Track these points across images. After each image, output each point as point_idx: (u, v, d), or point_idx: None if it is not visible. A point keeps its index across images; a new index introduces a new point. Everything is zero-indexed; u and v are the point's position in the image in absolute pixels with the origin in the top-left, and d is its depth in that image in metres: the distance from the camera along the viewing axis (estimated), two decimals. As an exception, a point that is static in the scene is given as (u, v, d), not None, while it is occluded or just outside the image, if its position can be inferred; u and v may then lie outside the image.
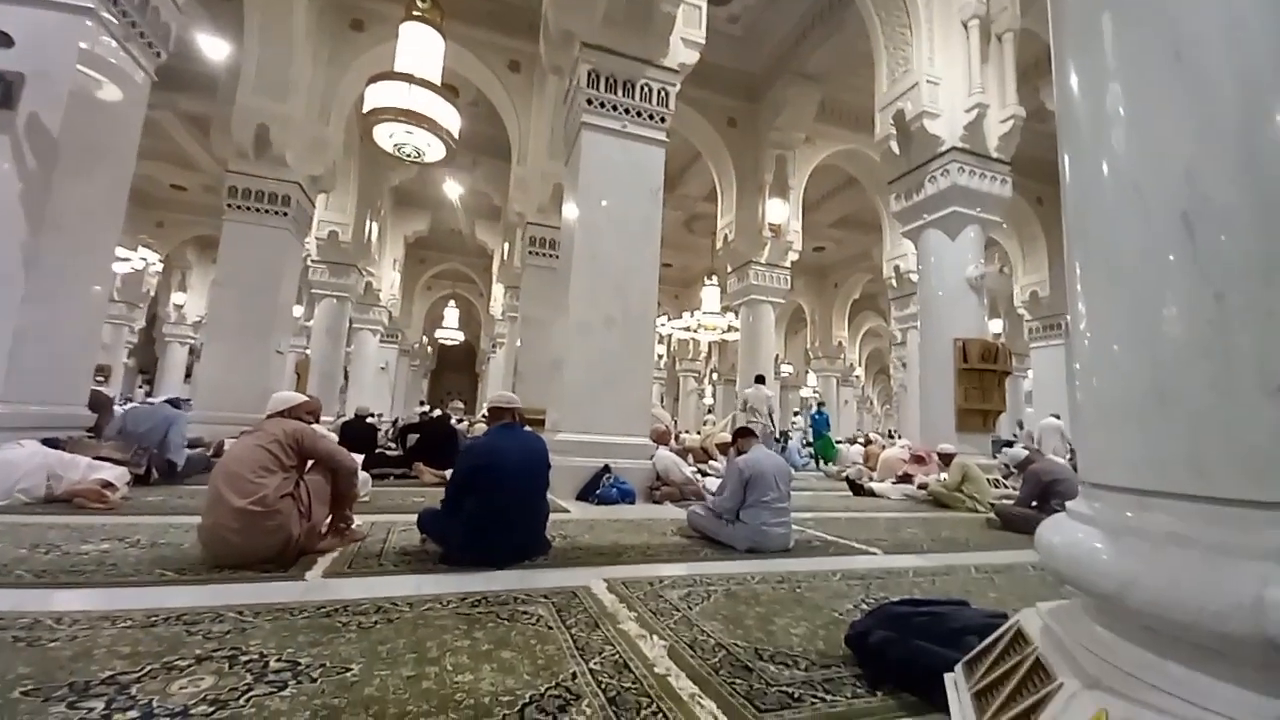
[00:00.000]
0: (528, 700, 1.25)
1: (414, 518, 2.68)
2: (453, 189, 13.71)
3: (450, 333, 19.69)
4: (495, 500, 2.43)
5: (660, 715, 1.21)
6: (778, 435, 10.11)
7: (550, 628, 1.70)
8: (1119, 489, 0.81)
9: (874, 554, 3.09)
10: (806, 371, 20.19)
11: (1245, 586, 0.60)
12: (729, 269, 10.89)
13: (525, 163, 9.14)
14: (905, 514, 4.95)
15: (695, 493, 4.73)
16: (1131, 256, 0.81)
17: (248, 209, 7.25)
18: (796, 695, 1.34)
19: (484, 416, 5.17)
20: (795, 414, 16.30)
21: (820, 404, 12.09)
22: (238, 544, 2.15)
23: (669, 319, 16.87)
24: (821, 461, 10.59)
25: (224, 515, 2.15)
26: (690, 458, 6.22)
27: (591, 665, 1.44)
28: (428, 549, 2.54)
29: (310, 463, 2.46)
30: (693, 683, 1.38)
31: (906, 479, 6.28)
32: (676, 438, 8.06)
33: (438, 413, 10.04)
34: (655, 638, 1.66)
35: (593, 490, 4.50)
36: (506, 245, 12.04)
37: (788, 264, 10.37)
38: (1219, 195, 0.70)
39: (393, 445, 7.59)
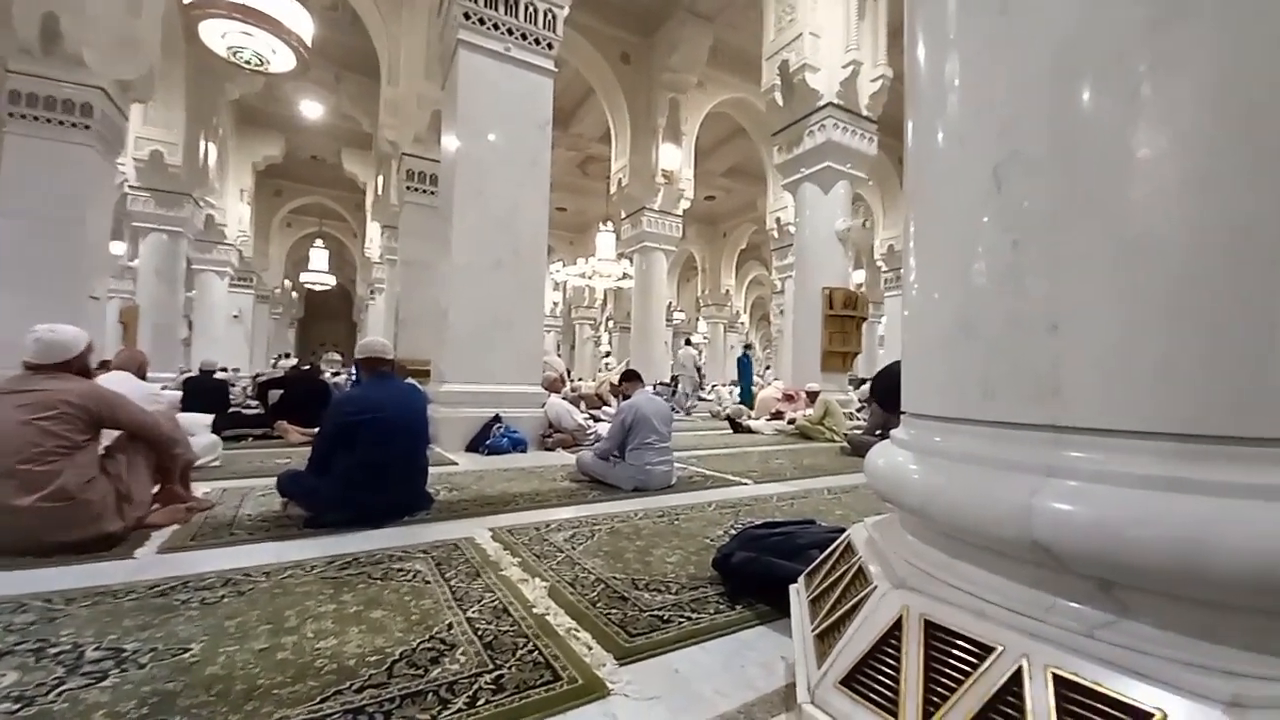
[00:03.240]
0: (398, 657, 1.22)
1: (275, 481, 2.44)
2: (311, 109, 11.95)
3: (318, 276, 17.70)
4: (370, 456, 2.27)
5: (536, 652, 1.24)
6: (668, 381, 10.48)
7: (428, 582, 1.66)
8: (930, 417, 0.92)
9: (745, 484, 3.37)
10: (697, 318, 20.96)
11: (1018, 496, 0.72)
12: (623, 215, 10.77)
13: (397, 83, 8.16)
14: (776, 447, 5.43)
15: (588, 439, 4.81)
16: (953, 208, 0.89)
17: (36, 119, 5.74)
18: (666, 617, 1.44)
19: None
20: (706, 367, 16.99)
21: (747, 347, 12.61)
22: (41, 540, 1.77)
23: (564, 265, 16.50)
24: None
25: (5, 518, 1.71)
26: (583, 405, 6.28)
27: (470, 614, 1.43)
28: (290, 513, 2.33)
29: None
30: (571, 618, 1.43)
31: (779, 416, 6.89)
32: (573, 386, 8.07)
33: (307, 366, 9.11)
34: (537, 580, 1.69)
35: (483, 441, 4.39)
36: (381, 179, 10.83)
37: (680, 212, 10.46)
38: (1026, 149, 0.78)
39: (253, 403, 6.81)
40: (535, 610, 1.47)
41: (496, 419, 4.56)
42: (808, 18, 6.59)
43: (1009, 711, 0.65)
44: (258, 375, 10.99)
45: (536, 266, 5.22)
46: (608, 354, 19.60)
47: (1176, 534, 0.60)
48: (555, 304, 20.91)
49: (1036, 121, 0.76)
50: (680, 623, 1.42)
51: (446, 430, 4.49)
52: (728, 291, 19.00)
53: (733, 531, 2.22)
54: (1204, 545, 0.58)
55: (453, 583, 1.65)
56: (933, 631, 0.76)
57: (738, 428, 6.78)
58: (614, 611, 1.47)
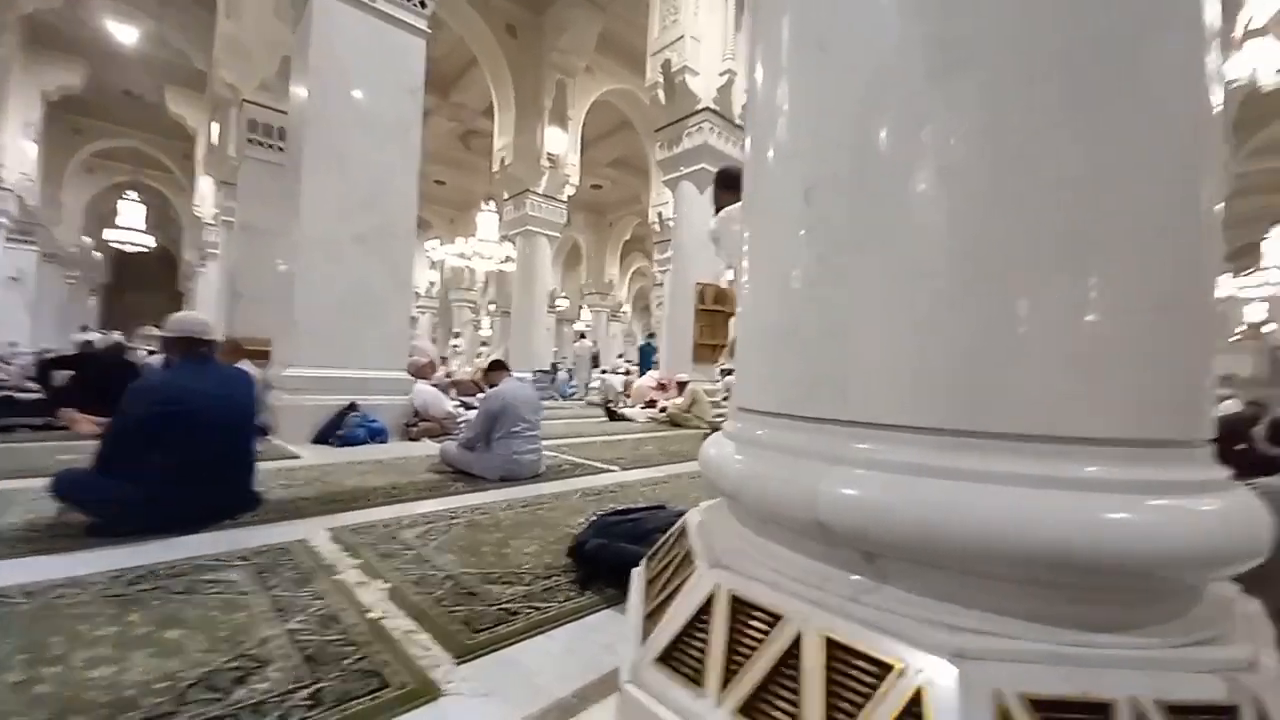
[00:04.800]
0: (194, 681, 1.07)
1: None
2: (124, 33, 9.91)
3: (131, 235, 14.85)
4: (180, 453, 1.97)
5: (364, 660, 1.17)
6: (548, 369, 10.37)
7: (245, 593, 1.48)
8: (752, 411, 1.01)
9: (614, 471, 3.45)
10: (581, 306, 20.93)
11: (807, 482, 0.81)
12: (506, 196, 10.38)
13: (239, 18, 7.06)
14: (648, 434, 5.64)
15: (458, 428, 4.60)
16: (776, 221, 0.98)
17: None
18: (514, 610, 1.43)
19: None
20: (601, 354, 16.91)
21: (650, 336, 12.60)
22: None
23: (442, 243, 15.52)
24: None
25: None
26: (454, 392, 5.99)
27: (291, 625, 1.31)
28: (69, 521, 1.95)
29: None
30: (411, 619, 1.36)
31: (653, 404, 7.15)
32: (448, 372, 7.66)
33: (113, 343, 7.59)
34: (378, 582, 1.59)
35: (334, 431, 4.01)
36: (216, 127, 9.30)
37: (565, 198, 10.33)
38: (831, 173, 0.87)
39: (32, 386, 5.55)
40: (371, 615, 1.38)
41: (352, 407, 4.19)
42: (690, 21, 6.80)
43: (790, 672, 0.73)
44: (44, 352, 8.98)
45: (405, 243, 4.86)
46: (484, 342, 18.86)
47: (921, 512, 0.71)
48: (432, 284, 19.64)
49: (841, 149, 0.85)
50: (528, 614, 1.42)
51: (290, 420, 4.03)
52: (611, 281, 19.20)
53: (594, 519, 2.26)
54: (941, 521, 0.70)
55: (275, 592, 1.49)
56: (738, 605, 0.83)
57: (614, 415, 6.91)
58: (460, 609, 1.43)
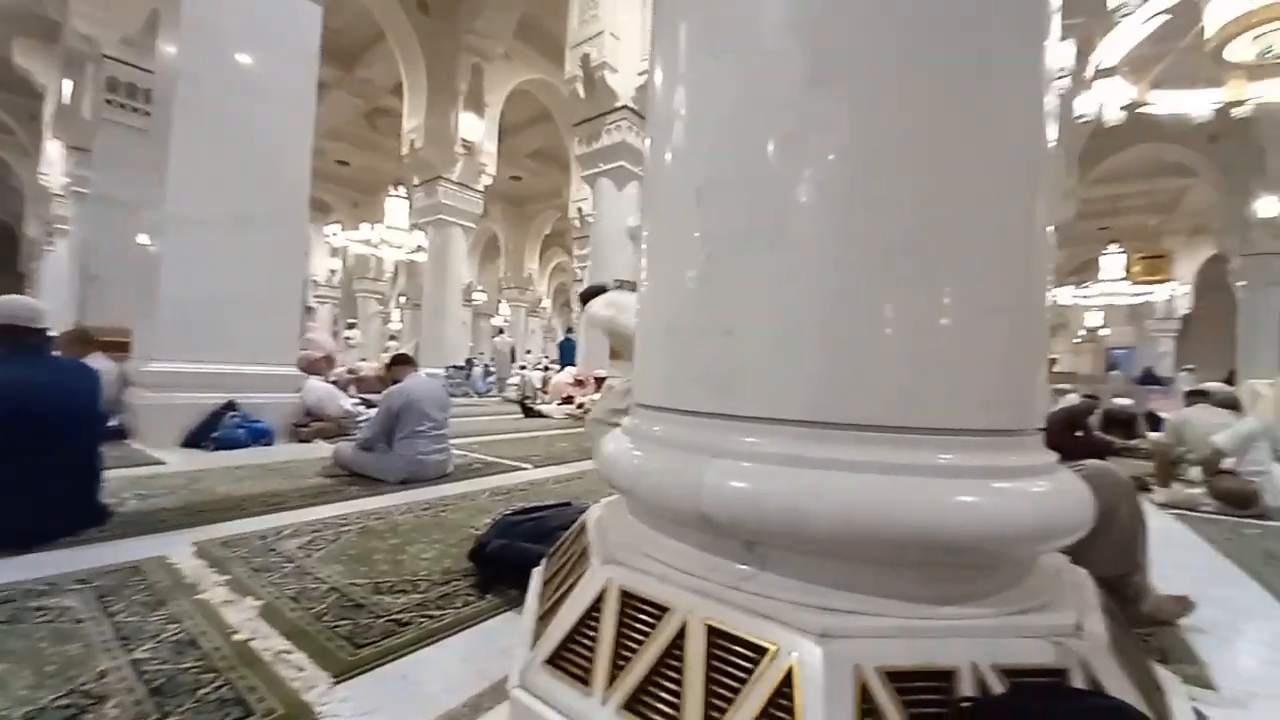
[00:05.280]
0: (3, 726, 0.91)
1: None
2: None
3: (-50, 205, 12.50)
4: (1, 461, 1.67)
5: (225, 687, 1.05)
6: (462, 364, 9.97)
7: (81, 620, 1.29)
8: (648, 406, 1.01)
9: (526, 469, 3.38)
10: (499, 300, 20.32)
11: (693, 475, 0.83)
12: (417, 181, 9.82)
13: (92, -40, 6.13)
14: (563, 431, 5.58)
15: (358, 427, 4.29)
16: (671, 220, 0.99)
17: None
18: (405, 620, 1.35)
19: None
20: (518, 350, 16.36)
21: (569, 331, 12.20)
22: None
23: (344, 228, 14.42)
24: None
25: None
26: (353, 388, 5.59)
27: (138, 654, 1.15)
28: None
29: None
30: (286, 639, 1.24)
31: (569, 400, 7.09)
32: (352, 368, 7.13)
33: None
34: (249, 599, 1.43)
35: (208, 433, 3.60)
36: (70, 85, 8.01)
37: (481, 187, 9.94)
38: (719, 175, 0.89)
39: None
40: (237, 636, 1.24)
41: (230, 406, 3.78)
42: (610, 18, 6.77)
43: (675, 663, 0.74)
44: None
45: (297, 225, 4.46)
46: (393, 336, 17.82)
47: (795, 500, 0.75)
48: (334, 272, 18.20)
49: (727, 152, 0.87)
50: (422, 623, 1.34)
51: (154, 421, 3.58)
52: (531, 276, 18.78)
53: (498, 519, 2.19)
54: (812, 508, 0.74)
55: (119, 618, 1.30)
56: (628, 600, 0.83)
57: (529, 412, 6.77)
58: (344, 623, 1.33)
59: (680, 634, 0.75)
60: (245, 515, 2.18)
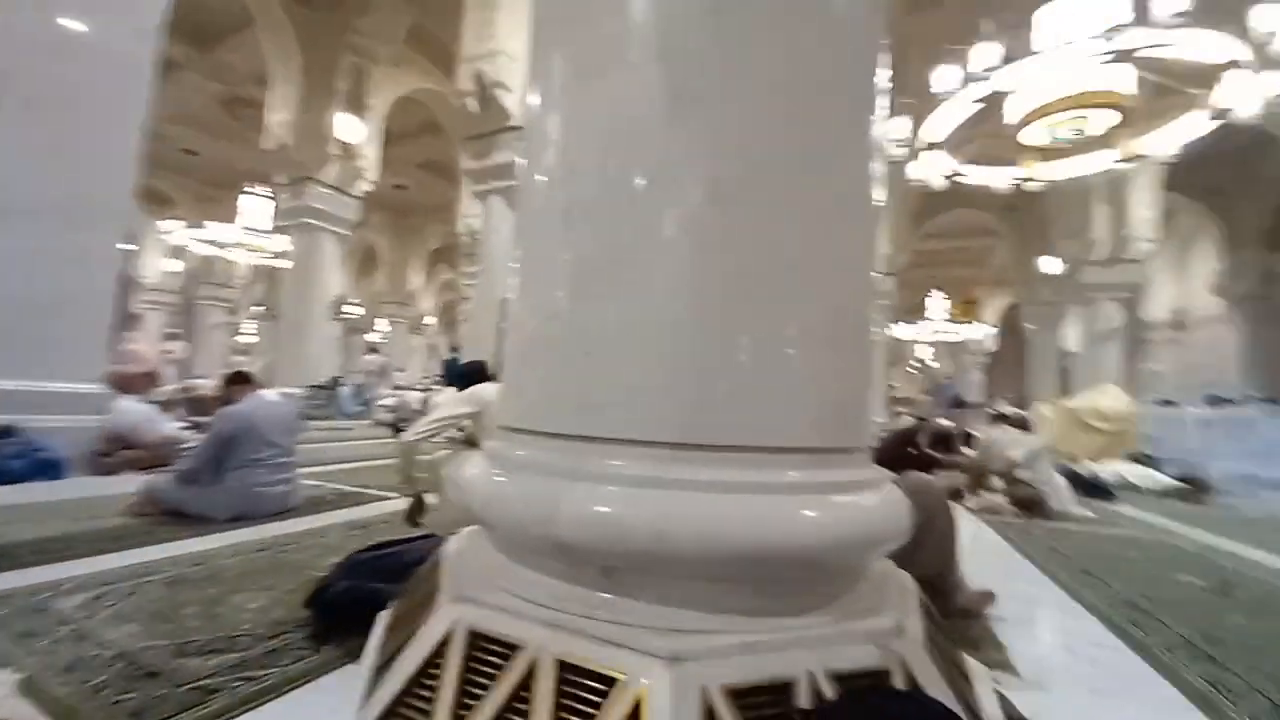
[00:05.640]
0: None
1: None
2: None
3: None
4: None
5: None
6: (326, 383, 9.03)
7: None
8: (510, 429, 0.97)
9: (393, 498, 3.10)
10: (377, 317, 18.86)
11: (550, 499, 0.79)
12: (283, 180, 8.89)
13: None
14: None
15: (184, 456, 3.67)
16: (543, 243, 0.97)
17: None
18: (214, 687, 1.14)
19: None
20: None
21: (454, 348, 11.20)
22: None
23: (188, 225, 12.57)
24: None
25: None
26: (181, 410, 4.80)
27: None
28: None
29: None
30: (52, 718, 0.99)
31: (453, 424, 6.69)
32: (186, 385, 6.12)
33: None
34: (5, 672, 1.13)
35: (-33, 465, 2.87)
36: None
37: (359, 193, 9.24)
38: (584, 198, 0.88)
39: None
40: (-33, 724, 0.96)
41: (7, 432, 3.06)
42: (505, 37, 6.71)
43: (522, 705, 0.69)
44: None
45: (116, 218, 3.79)
46: (243, 350, 15.74)
47: (651, 522, 0.74)
48: (171, 274, 15.70)
49: (594, 177, 0.88)
50: (236, 687, 1.14)
51: (-119, 450, 2.77)
52: (414, 292, 17.70)
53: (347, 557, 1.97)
54: (668, 530, 0.74)
55: None
56: (477, 641, 0.77)
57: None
58: (130, 696, 1.09)
59: (530, 672, 0.71)
60: (10, 568, 1.74)
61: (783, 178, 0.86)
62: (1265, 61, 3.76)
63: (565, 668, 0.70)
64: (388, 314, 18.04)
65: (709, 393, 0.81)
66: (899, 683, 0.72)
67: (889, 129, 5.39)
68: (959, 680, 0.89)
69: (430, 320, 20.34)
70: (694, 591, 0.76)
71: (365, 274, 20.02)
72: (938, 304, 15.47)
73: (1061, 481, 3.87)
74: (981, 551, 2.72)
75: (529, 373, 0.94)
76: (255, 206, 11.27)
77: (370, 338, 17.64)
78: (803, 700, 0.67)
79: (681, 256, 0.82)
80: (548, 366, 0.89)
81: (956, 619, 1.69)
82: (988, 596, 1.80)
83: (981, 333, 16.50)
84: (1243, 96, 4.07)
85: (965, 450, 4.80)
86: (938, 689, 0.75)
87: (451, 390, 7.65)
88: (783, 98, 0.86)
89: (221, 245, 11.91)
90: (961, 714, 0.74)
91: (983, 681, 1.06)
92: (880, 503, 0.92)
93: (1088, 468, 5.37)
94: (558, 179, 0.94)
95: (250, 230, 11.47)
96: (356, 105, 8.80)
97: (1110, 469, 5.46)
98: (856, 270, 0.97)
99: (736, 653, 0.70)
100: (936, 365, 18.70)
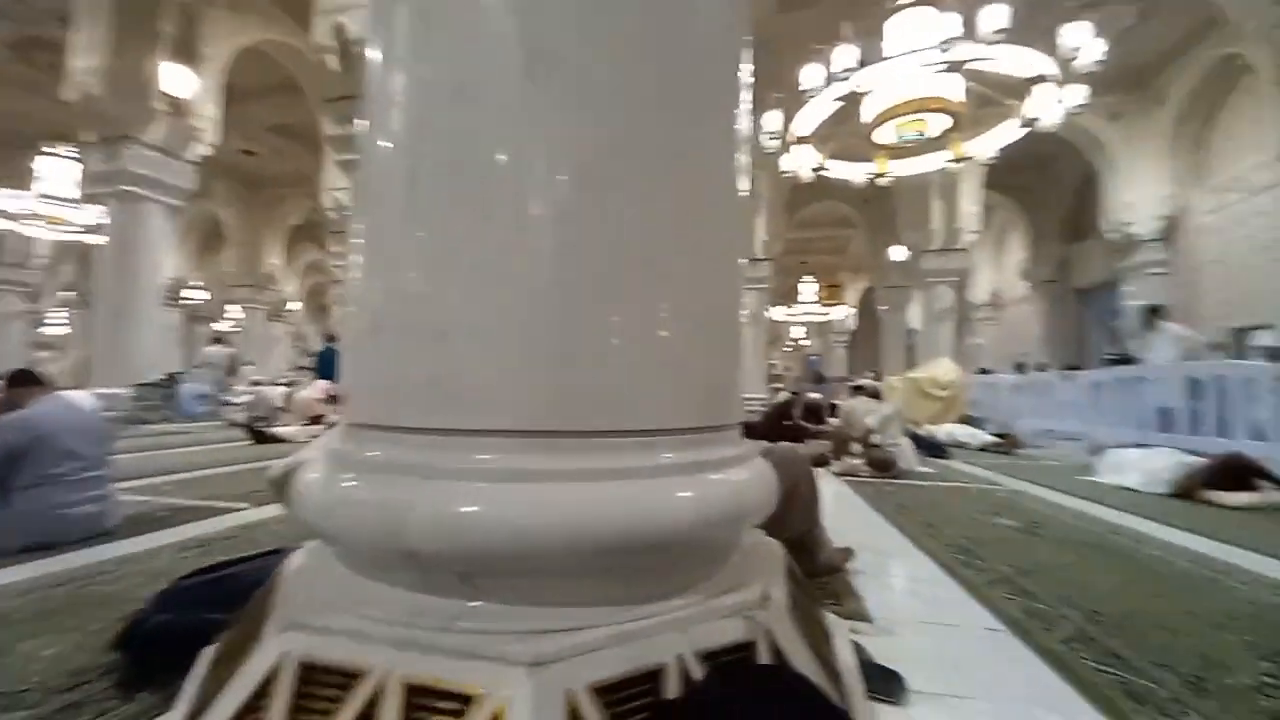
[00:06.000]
0: None
1: None
2: None
3: None
4: None
5: None
6: (160, 380, 7.76)
7: None
8: (354, 424, 0.86)
9: (243, 509, 2.73)
10: (226, 302, 16.53)
11: (398, 503, 0.71)
12: (93, 139, 7.37)
13: None
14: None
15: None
16: (387, 213, 0.86)
17: None
18: (-23, 761, 0.92)
19: None
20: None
21: (330, 337, 9.79)
22: None
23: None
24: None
25: None
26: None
27: None
28: None
29: None
30: None
31: (319, 420, 6.08)
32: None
33: None
34: None
35: None
36: None
37: (194, 157, 7.94)
38: (439, 158, 0.80)
39: None
40: None
41: None
42: (368, -12, 6.07)
43: (365, 739, 0.61)
44: None
45: None
46: (47, 345, 13.03)
47: (515, 519, 0.69)
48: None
49: (443, 142, 0.79)
50: (7, 759, 0.92)
51: None
52: (273, 274, 15.72)
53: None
54: (533, 525, 0.69)
55: None
56: (311, 673, 0.67)
57: (261, 437, 5.58)
58: None
59: (373, 701, 0.63)
60: None
61: (654, 154, 0.84)
62: (1069, 76, 4.45)
63: (414, 691, 0.63)
64: (240, 299, 15.85)
65: (578, 376, 0.77)
66: (764, 653, 0.75)
67: (763, 121, 5.67)
68: (819, 639, 0.95)
69: (295, 305, 18.21)
70: (564, 588, 0.73)
71: (209, 252, 17.44)
72: (808, 288, 17.02)
73: (908, 443, 4.39)
74: (844, 511, 3.01)
75: (374, 360, 0.83)
76: (56, 170, 9.29)
77: (219, 326, 15.41)
78: (672, 685, 0.66)
79: (545, 230, 0.76)
80: (396, 353, 0.79)
81: (821, 575, 1.85)
82: (847, 552, 1.98)
83: (844, 314, 18.44)
84: (1048, 108, 4.79)
85: (831, 420, 5.28)
86: (799, 653, 0.78)
87: (324, 384, 6.94)
88: (653, 67, 0.83)
89: (13, 217, 9.69)
90: (819, 673, 0.78)
91: (840, 635, 1.15)
92: (751, 477, 0.95)
93: (928, 430, 6.17)
94: (404, 136, 0.84)
95: (49, 199, 9.45)
96: (187, 53, 7.52)
97: (945, 430, 6.32)
98: (727, 250, 0.98)
99: (607, 645, 0.67)
100: (808, 344, 20.60)
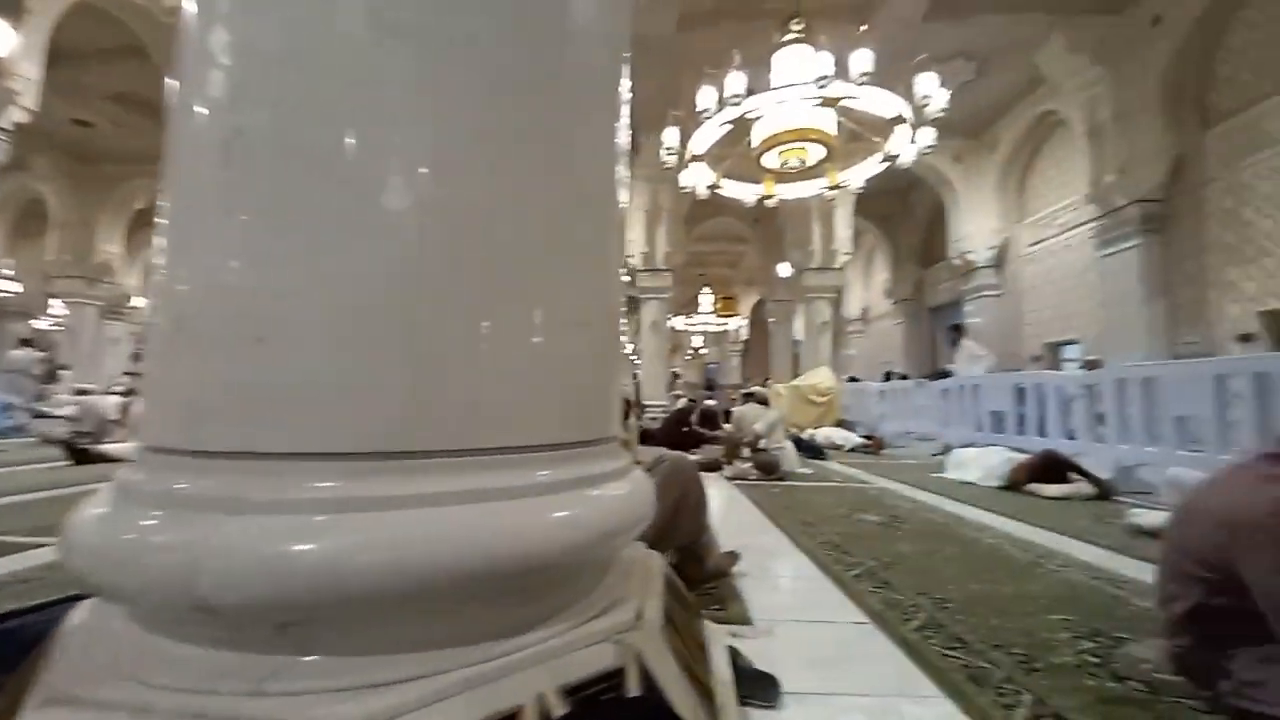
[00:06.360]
0: None
1: None
2: None
3: None
4: None
5: None
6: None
7: None
8: (148, 449, 0.71)
9: (46, 545, 2.23)
10: (50, 295, 13.81)
11: (191, 545, 0.59)
12: None
13: None
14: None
15: None
16: (193, 188, 0.73)
17: None
18: None
19: None
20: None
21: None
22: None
23: None
24: None
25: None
26: None
27: None
28: None
29: None
30: None
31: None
32: None
33: None
34: None
35: None
36: None
37: (8, 124, 6.57)
38: (253, 128, 0.68)
39: None
40: None
41: None
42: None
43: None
44: None
45: None
46: None
47: (346, 556, 0.60)
48: None
49: (264, 101, 0.68)
50: None
51: None
52: (110, 263, 13.37)
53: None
54: (367, 561, 0.60)
55: None
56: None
57: (85, 456, 4.69)
58: None
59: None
60: None
61: (527, 145, 0.78)
62: (921, 120, 5.04)
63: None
64: (67, 292, 13.25)
65: (435, 388, 0.69)
66: (632, 679, 0.71)
67: (663, 136, 5.82)
68: (694, 654, 0.94)
69: (139, 302, 15.60)
70: (408, 631, 0.64)
71: (26, 237, 14.52)
72: (706, 299, 17.94)
73: (791, 447, 4.68)
74: (733, 513, 3.12)
75: (176, 370, 0.69)
76: None
77: (40, 324, 12.78)
78: (530, 727, 0.60)
79: (396, 219, 0.68)
80: (202, 359, 0.66)
81: (709, 581, 1.88)
82: (733, 556, 2.03)
83: (737, 324, 19.67)
84: (905, 147, 5.39)
85: (725, 426, 5.50)
86: (669, 675, 0.76)
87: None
88: (525, 53, 0.78)
89: None
90: (688, 693, 0.76)
91: (718, 644, 1.15)
92: (631, 490, 0.92)
93: (809, 434, 6.66)
94: (223, 111, 0.71)
95: None
96: (8, 5, 6.19)
97: (823, 434, 6.86)
98: (606, 256, 0.95)
99: (455, 692, 0.60)
100: (705, 352, 21.63)
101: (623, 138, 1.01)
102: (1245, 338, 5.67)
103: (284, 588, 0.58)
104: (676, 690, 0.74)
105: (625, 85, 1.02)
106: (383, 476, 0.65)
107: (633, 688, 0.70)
